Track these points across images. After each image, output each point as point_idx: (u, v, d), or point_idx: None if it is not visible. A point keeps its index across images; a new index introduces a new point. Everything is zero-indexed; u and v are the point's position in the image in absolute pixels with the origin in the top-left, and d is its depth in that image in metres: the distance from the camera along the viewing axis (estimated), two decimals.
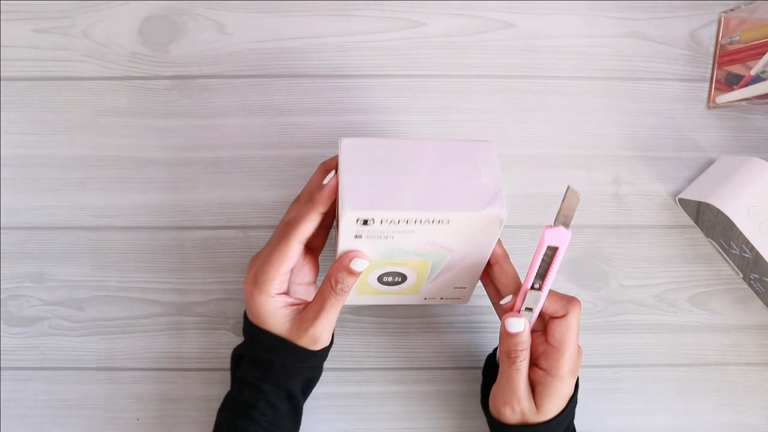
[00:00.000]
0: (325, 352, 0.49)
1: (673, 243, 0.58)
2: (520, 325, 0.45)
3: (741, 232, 0.52)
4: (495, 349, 0.52)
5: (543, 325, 0.48)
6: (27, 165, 0.57)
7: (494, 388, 0.48)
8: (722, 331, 0.58)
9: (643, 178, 0.58)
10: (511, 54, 0.58)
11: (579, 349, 0.47)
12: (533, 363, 0.47)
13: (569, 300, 0.46)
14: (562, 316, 0.46)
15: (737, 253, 0.55)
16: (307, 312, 0.47)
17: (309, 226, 0.45)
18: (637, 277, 0.58)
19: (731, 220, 0.52)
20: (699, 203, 0.55)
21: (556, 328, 0.46)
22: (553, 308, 0.46)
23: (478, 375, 0.58)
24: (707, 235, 0.58)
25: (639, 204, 0.58)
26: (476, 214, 0.41)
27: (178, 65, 0.57)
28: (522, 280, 0.47)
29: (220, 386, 0.56)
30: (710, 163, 0.58)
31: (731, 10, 0.57)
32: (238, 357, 0.51)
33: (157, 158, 0.58)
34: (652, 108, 0.58)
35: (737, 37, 0.56)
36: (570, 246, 0.58)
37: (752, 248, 0.52)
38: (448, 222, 0.42)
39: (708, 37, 0.58)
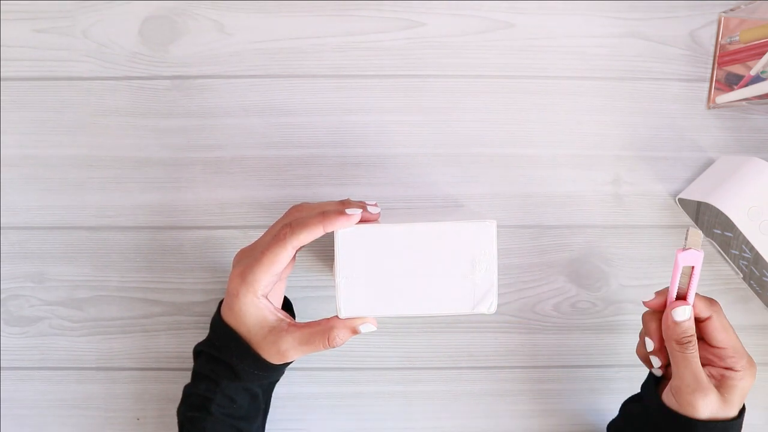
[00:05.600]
0: (287, 364, 0.49)
1: (673, 243, 0.58)
2: (685, 312, 0.47)
3: (741, 232, 0.52)
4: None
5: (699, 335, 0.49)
6: (27, 165, 0.57)
7: (671, 385, 0.48)
8: None
9: (643, 178, 0.58)
10: (511, 54, 0.58)
11: (752, 359, 0.48)
12: (710, 365, 0.48)
13: (711, 301, 0.48)
14: (708, 318, 0.48)
15: (737, 253, 0.55)
16: (288, 334, 0.45)
17: (309, 237, 0.44)
18: (637, 277, 0.58)
19: (731, 220, 0.52)
20: (699, 203, 0.55)
21: (712, 332, 0.47)
22: (699, 307, 0.48)
23: (478, 375, 0.58)
24: (707, 235, 0.57)
25: (639, 204, 0.58)
26: (466, 313, 0.45)
27: (178, 65, 0.57)
28: None
29: None
30: (710, 163, 0.58)
31: (731, 10, 0.57)
32: (198, 353, 0.50)
33: (157, 158, 0.58)
34: (652, 108, 0.58)
35: (737, 37, 0.56)
36: (570, 246, 0.58)
37: (752, 248, 0.52)
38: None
39: (708, 37, 0.58)
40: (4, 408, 0.58)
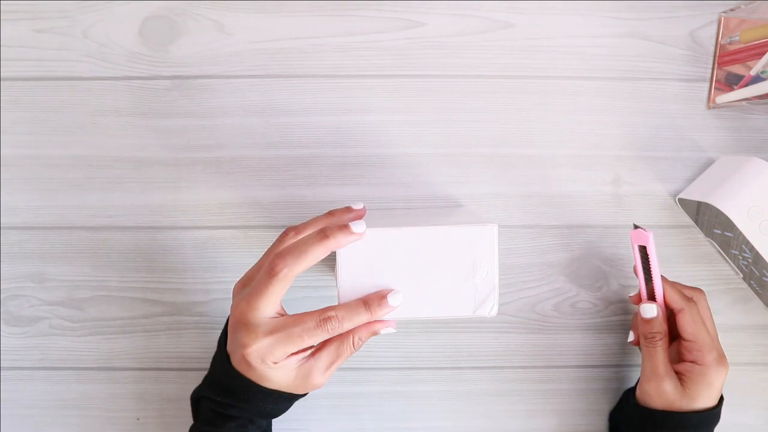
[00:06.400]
0: None
1: (673, 243, 0.58)
2: (653, 310, 0.50)
3: (741, 232, 0.52)
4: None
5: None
6: (27, 165, 0.57)
7: (640, 378, 0.51)
8: (722, 331, 0.58)
9: (643, 178, 0.58)
10: (511, 54, 0.58)
11: (723, 357, 0.50)
12: (681, 360, 0.50)
13: (687, 297, 0.51)
14: (681, 310, 0.50)
15: (737, 253, 0.55)
16: (316, 362, 0.45)
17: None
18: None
19: (731, 220, 0.52)
20: (699, 203, 0.55)
21: (683, 324, 0.50)
22: (672, 299, 0.51)
23: (479, 375, 0.58)
24: (707, 235, 0.57)
25: (639, 204, 0.58)
26: (467, 316, 0.45)
27: (178, 65, 0.57)
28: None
29: None
30: (710, 163, 0.58)
31: (731, 10, 0.57)
32: (200, 399, 0.48)
33: (157, 158, 0.58)
34: (652, 108, 0.58)
35: (737, 37, 0.56)
36: (570, 246, 0.58)
37: (752, 248, 0.52)
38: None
39: (708, 37, 0.58)
40: (4, 408, 0.58)
